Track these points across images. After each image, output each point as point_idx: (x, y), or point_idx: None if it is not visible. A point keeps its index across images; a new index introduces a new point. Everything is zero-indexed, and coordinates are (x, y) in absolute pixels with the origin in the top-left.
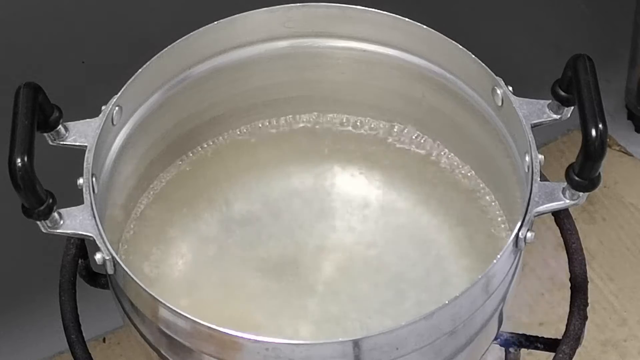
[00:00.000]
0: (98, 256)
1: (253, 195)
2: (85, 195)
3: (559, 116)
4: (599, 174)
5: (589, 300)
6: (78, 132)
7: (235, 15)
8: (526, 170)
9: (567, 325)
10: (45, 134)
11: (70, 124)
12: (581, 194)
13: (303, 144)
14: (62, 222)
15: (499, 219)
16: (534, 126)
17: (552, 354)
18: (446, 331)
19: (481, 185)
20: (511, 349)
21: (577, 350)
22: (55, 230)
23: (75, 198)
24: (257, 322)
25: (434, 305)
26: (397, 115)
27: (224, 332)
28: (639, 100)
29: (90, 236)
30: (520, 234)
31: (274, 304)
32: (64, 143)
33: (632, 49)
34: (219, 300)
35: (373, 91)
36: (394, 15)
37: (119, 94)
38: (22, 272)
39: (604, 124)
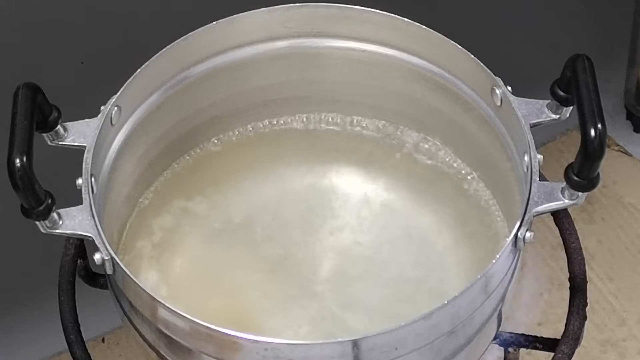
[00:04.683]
0: (97, 256)
1: (252, 195)
2: (84, 196)
3: (558, 116)
4: (598, 173)
5: (588, 300)
6: (77, 132)
7: (235, 15)
8: (525, 170)
9: (566, 325)
10: (44, 134)
11: (69, 124)
12: (580, 193)
13: (302, 144)
14: (61, 222)
15: (498, 218)
16: (533, 126)
17: (551, 354)
18: (445, 331)
19: (480, 185)
20: (510, 349)
21: (576, 350)
22: (54, 231)
23: (74, 198)
24: (256, 322)
25: (433, 305)
26: (396, 115)
27: (223, 332)
28: (638, 100)
29: (89, 236)
30: (519, 233)
31: (273, 304)
32: (63, 143)
33: (631, 49)
34: (218, 300)
35: (372, 91)
36: (393, 15)
37: (118, 94)
38: (21, 273)
39: (603, 124)
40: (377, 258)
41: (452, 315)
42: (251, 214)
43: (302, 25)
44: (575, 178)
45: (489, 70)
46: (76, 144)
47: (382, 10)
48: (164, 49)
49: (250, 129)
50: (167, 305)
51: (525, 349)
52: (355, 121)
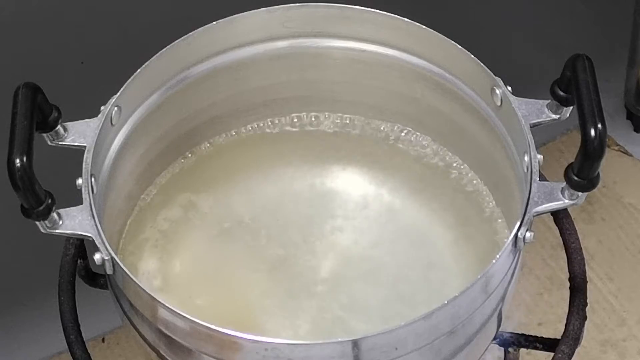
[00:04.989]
0: (97, 256)
1: (252, 195)
2: (84, 196)
3: (558, 116)
4: (598, 173)
5: (588, 300)
6: (77, 133)
7: (235, 15)
8: (525, 170)
9: (566, 325)
10: (44, 134)
11: (69, 124)
12: (580, 193)
13: (302, 144)
14: (61, 222)
15: (498, 218)
16: (533, 126)
17: (551, 354)
18: (445, 331)
19: (480, 185)
20: (510, 349)
21: (576, 350)
22: (54, 231)
23: (74, 198)
24: (256, 322)
25: (433, 305)
26: (396, 115)
27: (223, 333)
28: (638, 100)
29: (89, 236)
30: (519, 233)
31: (273, 304)
32: (63, 143)
33: (631, 49)
34: (218, 300)
35: (372, 91)
36: (393, 15)
37: (118, 94)
38: (21, 273)
39: (603, 124)
40: (377, 258)
41: (452, 315)
42: (251, 214)
43: (302, 25)
44: (575, 178)
45: (489, 70)
46: (76, 144)
47: (382, 10)
48: (164, 49)
49: (250, 129)
50: (167, 305)
51: (525, 349)
52: (355, 121)
